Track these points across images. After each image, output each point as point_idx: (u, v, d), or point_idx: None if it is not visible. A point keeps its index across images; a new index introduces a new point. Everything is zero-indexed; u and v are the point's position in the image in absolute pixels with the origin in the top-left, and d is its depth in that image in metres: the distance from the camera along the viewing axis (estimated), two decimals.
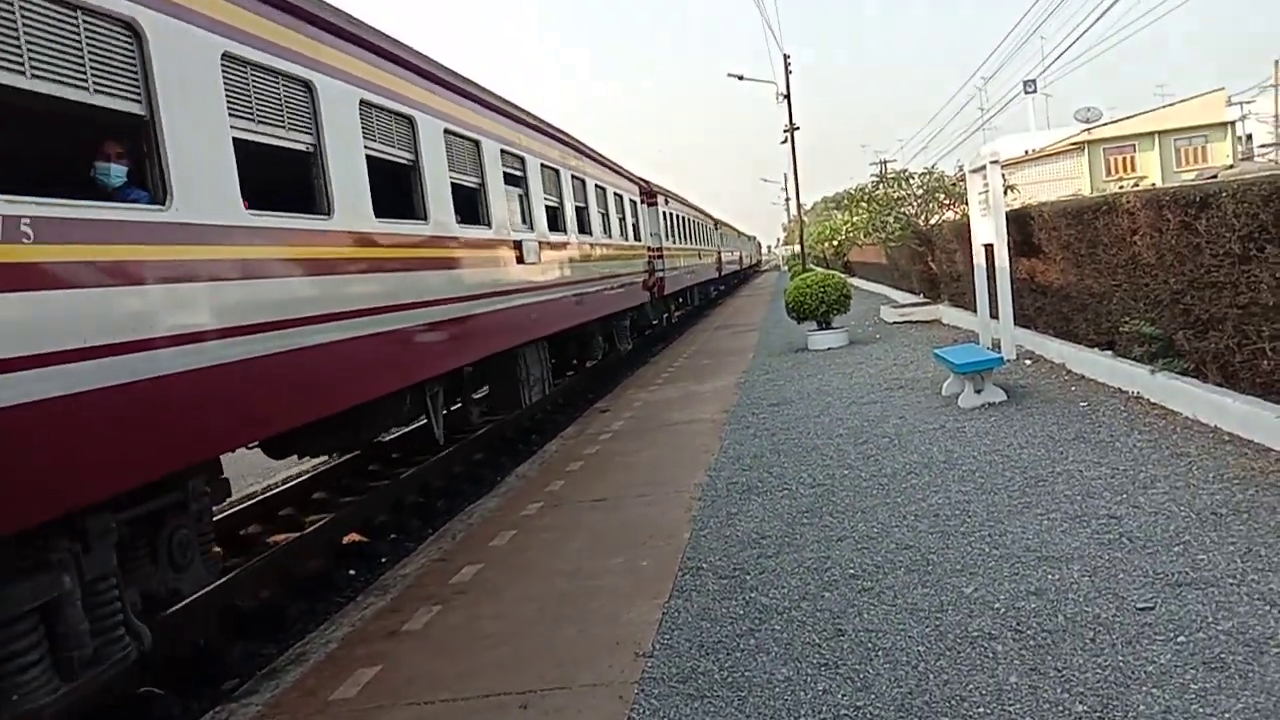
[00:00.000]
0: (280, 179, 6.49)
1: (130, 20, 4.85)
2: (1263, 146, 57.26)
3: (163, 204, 5.02)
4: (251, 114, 5.96)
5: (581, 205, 15.12)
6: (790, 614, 4.74)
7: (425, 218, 8.54)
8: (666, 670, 4.31)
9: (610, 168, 18.26)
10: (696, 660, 4.36)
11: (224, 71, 5.62)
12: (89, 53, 4.58)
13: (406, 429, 11.47)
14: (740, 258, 59.95)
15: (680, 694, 4.07)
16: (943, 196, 20.19)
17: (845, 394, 11.16)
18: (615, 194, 18.27)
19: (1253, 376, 7.09)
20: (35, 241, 4.12)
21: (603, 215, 16.76)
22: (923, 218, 20.30)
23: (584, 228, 15.09)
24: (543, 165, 12.72)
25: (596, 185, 16.44)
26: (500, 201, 10.63)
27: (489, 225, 10.18)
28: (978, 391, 9.44)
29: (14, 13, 4.17)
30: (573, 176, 14.58)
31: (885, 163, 42.13)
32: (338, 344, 6.61)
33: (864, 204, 21.01)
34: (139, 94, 4.91)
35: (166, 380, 4.84)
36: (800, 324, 17.33)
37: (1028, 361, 11.68)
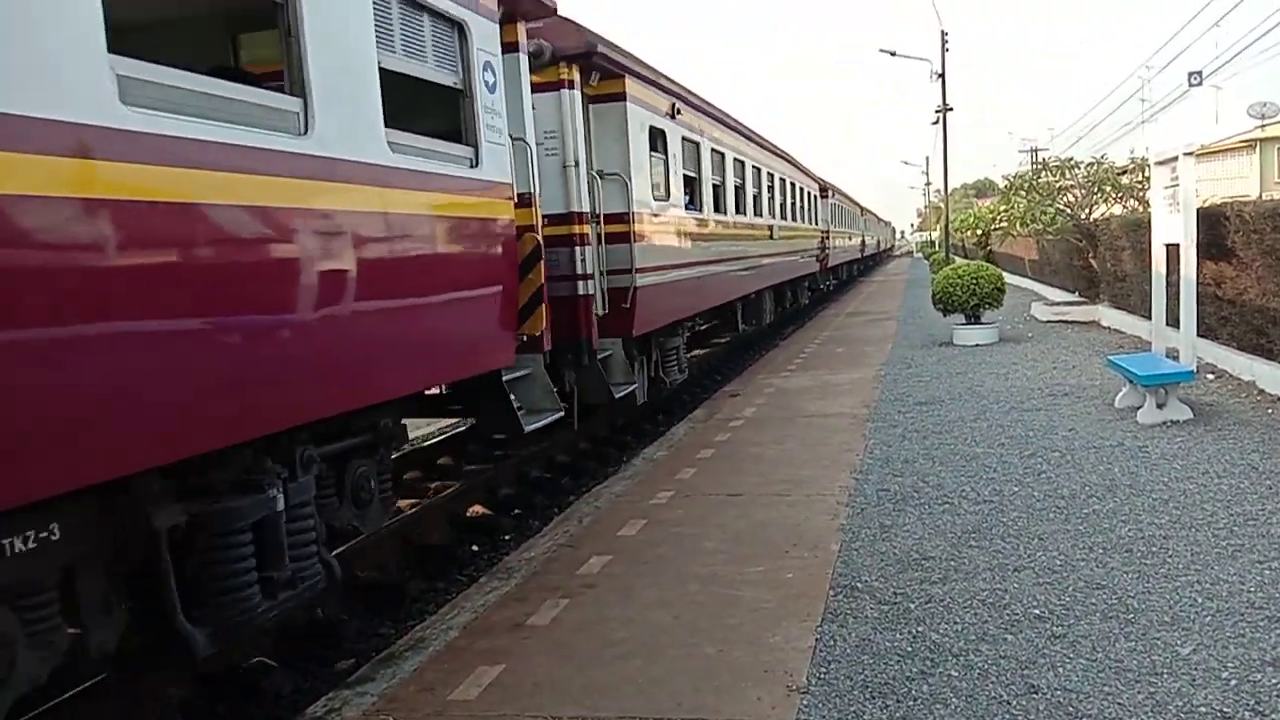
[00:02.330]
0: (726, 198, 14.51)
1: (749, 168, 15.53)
2: None
3: (700, 210, 12.45)
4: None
5: (793, 201, 22.23)
6: (968, 658, 4.12)
7: (744, 212, 15.74)
8: (826, 713, 3.76)
9: (805, 172, 25.28)
10: (861, 704, 3.80)
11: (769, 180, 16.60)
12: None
13: None
14: (879, 241, 66.91)
15: None
16: (1109, 189, 18.72)
17: (1003, 397, 10.30)
18: (807, 192, 25.32)
19: None
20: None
21: (801, 208, 23.64)
22: (1085, 210, 18.89)
23: (793, 216, 22.10)
24: (780, 177, 19.95)
25: (800, 187, 23.53)
26: (765, 201, 17.86)
27: (760, 215, 17.26)
28: (1160, 406, 8.50)
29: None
30: (790, 183, 21.65)
31: (1037, 150, 39.74)
32: (722, 275, 13.74)
33: (1023, 191, 19.69)
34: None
35: (715, 278, 13.05)
36: (946, 316, 16.34)
37: (1210, 376, 10.57)
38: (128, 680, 4.60)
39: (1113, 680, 3.83)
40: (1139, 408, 8.68)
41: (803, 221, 23.55)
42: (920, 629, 4.47)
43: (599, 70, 9.03)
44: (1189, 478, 6.65)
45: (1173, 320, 11.33)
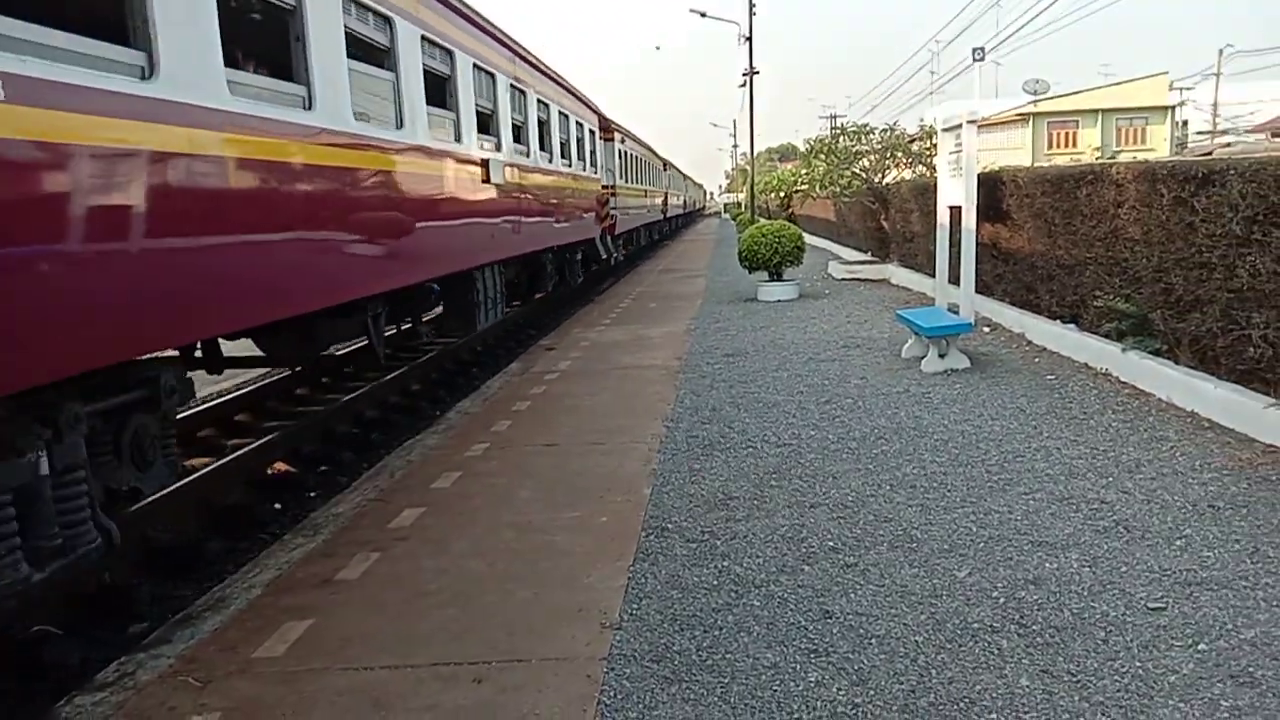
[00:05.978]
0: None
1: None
2: (1199, 134, 58.49)
3: (630, 183, 28.11)
4: None
5: (652, 174, 32.76)
6: (769, 589, 4.36)
7: (639, 182, 29.06)
8: (638, 646, 3.89)
9: (656, 154, 35.73)
10: (670, 636, 3.95)
11: None
12: None
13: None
14: (694, 201, 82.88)
15: (655, 675, 3.66)
16: (900, 155, 19.82)
17: (801, 349, 10.82)
18: (657, 166, 35.87)
19: (1233, 363, 6.89)
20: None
21: (654, 178, 34.15)
22: (878, 175, 19.95)
23: (653, 183, 33.17)
24: (645, 160, 30.89)
25: (654, 164, 34.30)
26: (644, 174, 30.41)
27: (640, 183, 29.30)
28: (941, 356, 9.17)
29: None
30: (649, 161, 31.70)
31: (835, 117, 41.57)
32: (634, 215, 27.65)
33: (823, 156, 20.57)
34: None
35: (632, 215, 27.10)
36: (751, 274, 16.94)
37: (986, 329, 11.47)
38: None
39: (899, 603, 4.15)
40: (923, 357, 9.33)
41: (655, 186, 35.11)
42: (725, 564, 4.68)
43: (607, 130, 21.29)
44: (966, 420, 7.23)
45: (954, 278, 12.21)
